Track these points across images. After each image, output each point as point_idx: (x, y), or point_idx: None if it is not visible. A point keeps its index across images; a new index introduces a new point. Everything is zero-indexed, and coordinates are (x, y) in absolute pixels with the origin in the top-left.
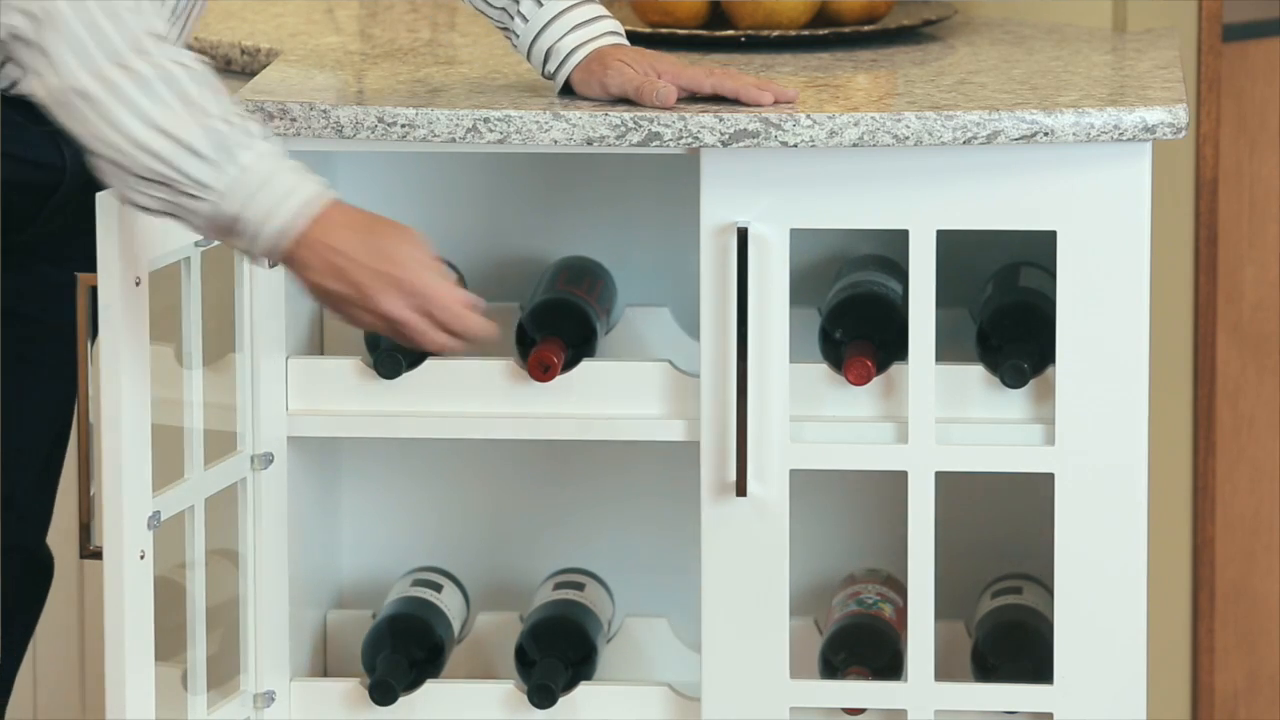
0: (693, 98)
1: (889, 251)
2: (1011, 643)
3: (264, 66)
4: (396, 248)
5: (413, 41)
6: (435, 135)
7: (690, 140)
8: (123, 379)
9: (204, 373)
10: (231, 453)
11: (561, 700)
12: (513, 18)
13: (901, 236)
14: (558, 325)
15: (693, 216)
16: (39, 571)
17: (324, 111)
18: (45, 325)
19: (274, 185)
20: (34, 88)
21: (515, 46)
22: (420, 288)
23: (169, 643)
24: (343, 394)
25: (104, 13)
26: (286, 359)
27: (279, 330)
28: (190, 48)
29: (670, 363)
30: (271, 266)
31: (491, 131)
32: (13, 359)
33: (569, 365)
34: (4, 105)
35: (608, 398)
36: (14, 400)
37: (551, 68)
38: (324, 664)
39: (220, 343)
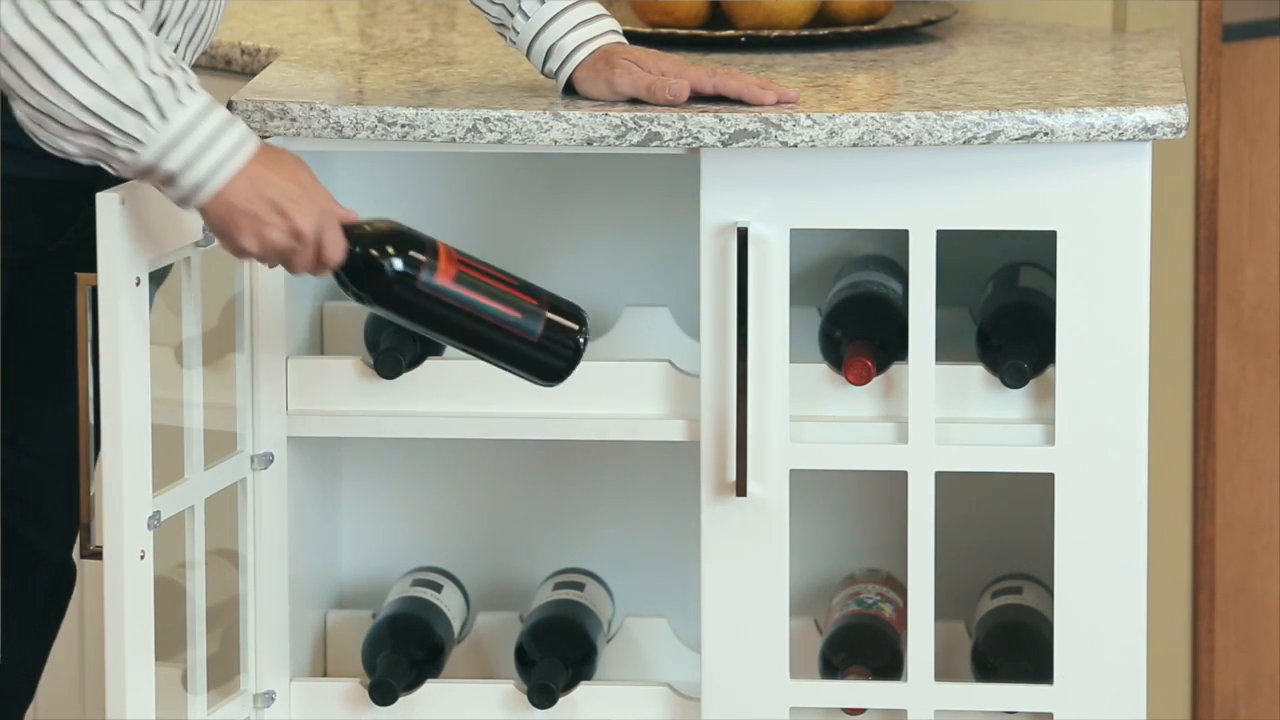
0: (694, 98)
1: (889, 251)
2: (1011, 643)
3: (264, 66)
4: (312, 176)
5: (413, 41)
6: (435, 135)
7: (690, 140)
8: (123, 379)
9: (204, 373)
10: (231, 453)
11: (561, 700)
12: (513, 14)
13: (901, 236)
14: None
15: (693, 216)
16: (64, 584)
17: (324, 111)
18: (76, 335)
19: (195, 138)
20: None
21: (513, 43)
22: (329, 207)
23: (169, 643)
24: (343, 394)
25: None
26: (286, 359)
27: (279, 330)
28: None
29: (670, 363)
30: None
31: (491, 131)
32: (46, 369)
33: None
34: None
35: (608, 398)
36: (46, 410)
37: (553, 66)
38: (324, 664)
39: (220, 343)
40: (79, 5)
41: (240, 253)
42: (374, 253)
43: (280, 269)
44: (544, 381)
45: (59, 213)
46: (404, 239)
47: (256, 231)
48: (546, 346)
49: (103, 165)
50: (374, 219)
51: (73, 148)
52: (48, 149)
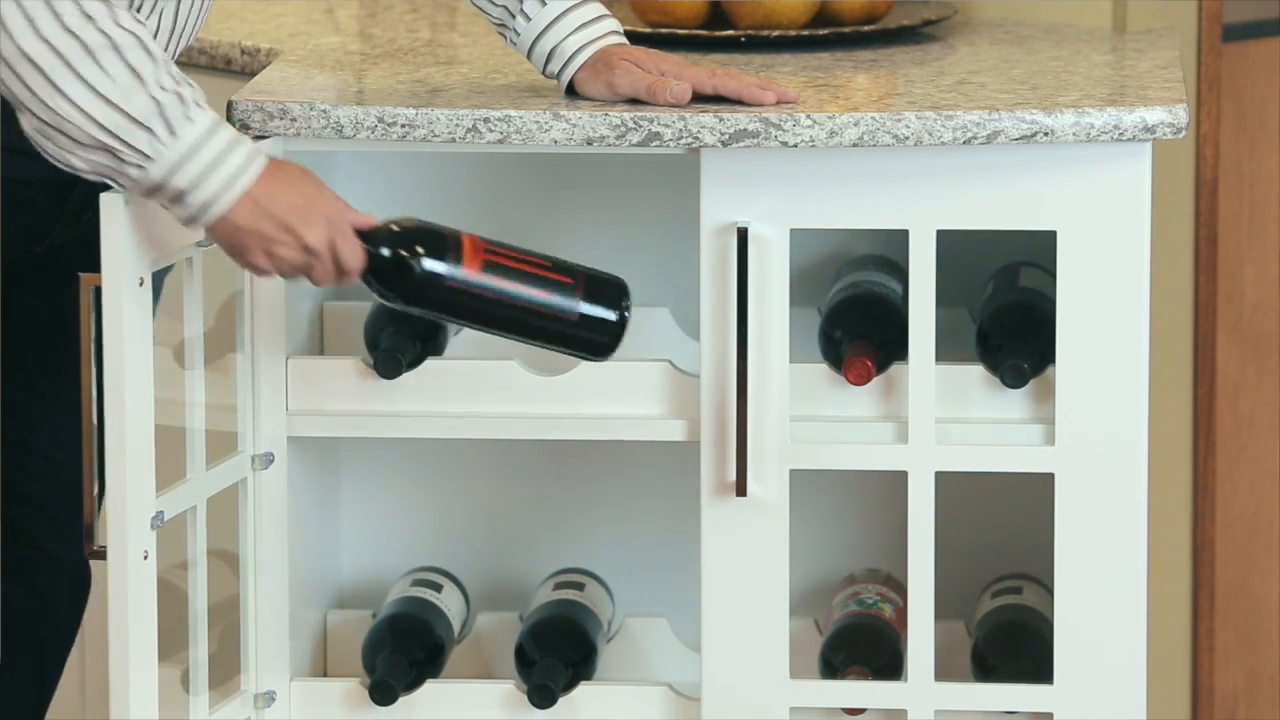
0: (694, 98)
1: (889, 251)
2: (1011, 643)
3: (264, 66)
4: (318, 187)
5: (413, 41)
6: (435, 135)
7: (690, 140)
8: (126, 379)
9: (204, 373)
10: (232, 453)
11: (561, 700)
12: (515, 16)
13: (901, 236)
14: None
15: (693, 216)
16: (80, 586)
17: (324, 111)
18: (71, 333)
19: (204, 155)
20: None
21: (514, 44)
22: (338, 217)
23: (169, 643)
24: (343, 394)
25: None
26: (286, 359)
27: (279, 330)
28: (191, 48)
29: (670, 363)
30: (189, 224)
31: (491, 131)
32: (50, 372)
33: None
34: None
35: (608, 398)
36: (53, 411)
37: (555, 68)
38: (324, 664)
39: (220, 343)
40: (90, 19)
41: (256, 270)
42: (394, 254)
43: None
44: (592, 357)
45: (44, 213)
46: (424, 235)
47: (266, 250)
48: (588, 323)
49: (110, 181)
50: (396, 218)
51: (81, 163)
52: (55, 163)
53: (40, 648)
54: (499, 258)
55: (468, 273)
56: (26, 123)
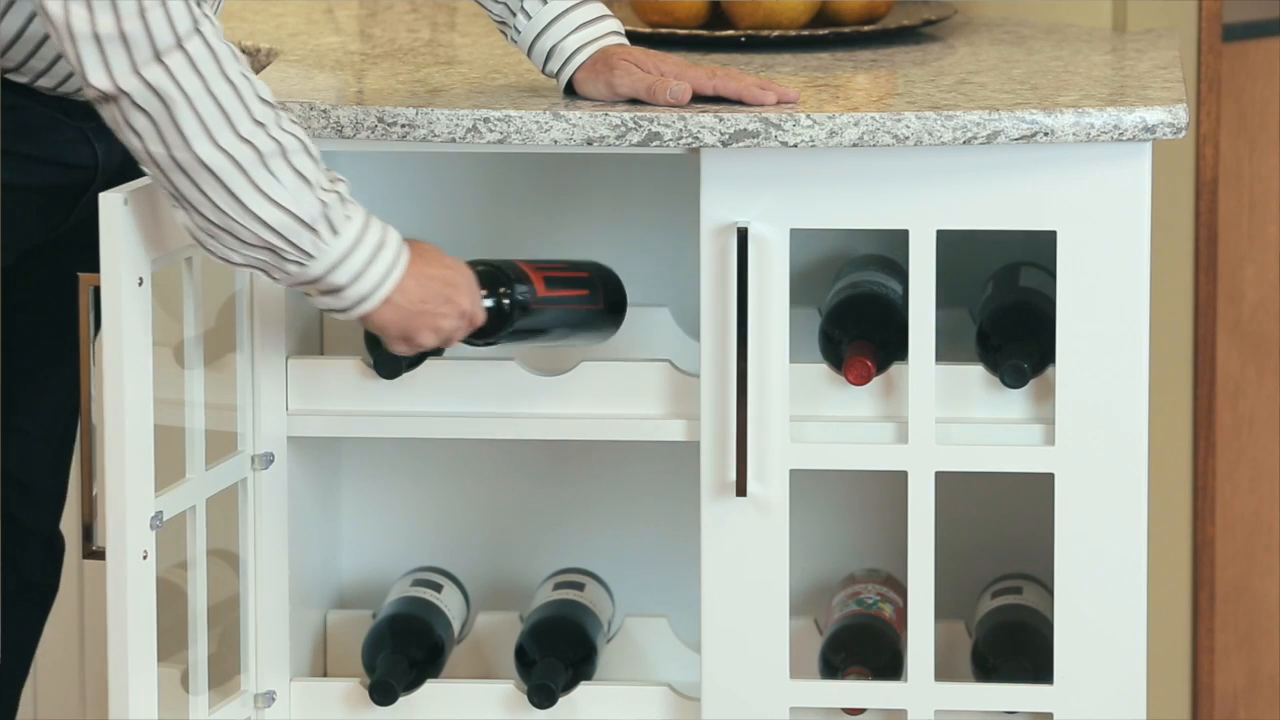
0: (694, 98)
1: (889, 251)
2: (1011, 643)
3: (264, 66)
4: (446, 254)
5: (413, 41)
6: (435, 135)
7: (690, 140)
8: (125, 379)
9: (204, 373)
10: (232, 453)
11: (561, 700)
12: (515, 14)
13: (901, 236)
14: None
15: (693, 216)
16: (54, 556)
17: (324, 111)
18: (61, 314)
19: (363, 250)
20: (135, 146)
21: (515, 43)
22: (470, 276)
23: (169, 643)
24: (343, 394)
25: (230, 86)
26: (286, 359)
27: (279, 330)
28: None
29: (670, 363)
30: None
31: (491, 131)
32: (29, 347)
33: None
34: (39, 101)
35: (608, 398)
36: (30, 387)
37: (554, 67)
38: (324, 664)
39: (220, 343)
40: (261, 124)
41: (415, 348)
42: (501, 295)
43: None
44: (609, 334)
45: (53, 215)
46: (505, 274)
47: (433, 326)
48: (611, 303)
49: (264, 274)
50: (469, 263)
51: (240, 259)
52: (212, 258)
53: (16, 622)
54: (547, 271)
55: (539, 294)
56: (188, 220)
